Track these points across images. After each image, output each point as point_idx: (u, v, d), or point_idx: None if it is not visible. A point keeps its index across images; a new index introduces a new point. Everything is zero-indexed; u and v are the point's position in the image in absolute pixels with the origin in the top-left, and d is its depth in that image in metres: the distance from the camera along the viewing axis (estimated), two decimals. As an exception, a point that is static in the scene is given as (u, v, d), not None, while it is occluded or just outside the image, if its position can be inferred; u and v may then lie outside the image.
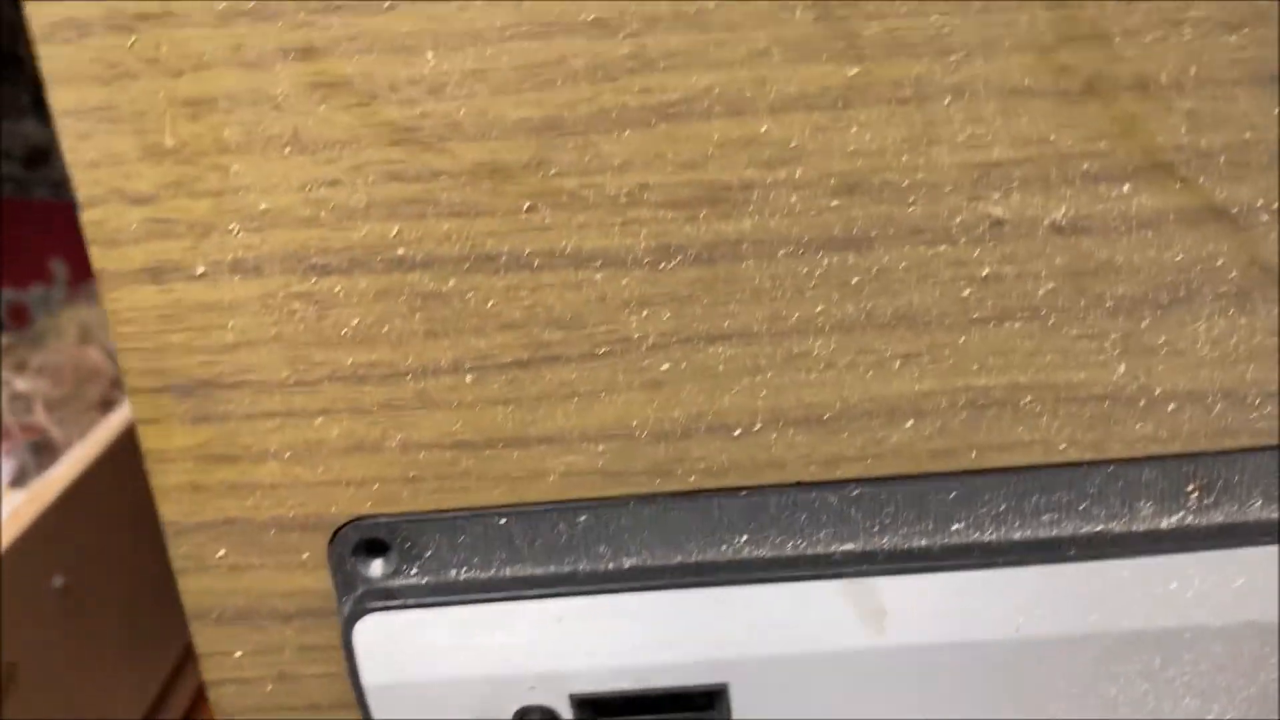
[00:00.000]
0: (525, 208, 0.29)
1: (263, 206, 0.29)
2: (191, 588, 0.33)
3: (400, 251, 0.29)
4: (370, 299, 0.29)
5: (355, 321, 0.30)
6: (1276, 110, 0.28)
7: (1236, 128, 0.28)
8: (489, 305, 0.29)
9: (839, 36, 0.27)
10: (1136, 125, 0.28)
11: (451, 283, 0.29)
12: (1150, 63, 0.27)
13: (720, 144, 0.28)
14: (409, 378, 0.30)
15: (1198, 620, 0.31)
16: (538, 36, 0.27)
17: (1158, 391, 0.30)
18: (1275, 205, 0.28)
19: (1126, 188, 0.28)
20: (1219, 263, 0.29)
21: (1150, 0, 0.27)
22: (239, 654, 0.33)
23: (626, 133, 0.28)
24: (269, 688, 0.34)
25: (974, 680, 0.32)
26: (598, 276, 0.29)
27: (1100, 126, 0.28)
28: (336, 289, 0.29)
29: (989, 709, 0.32)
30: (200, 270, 0.29)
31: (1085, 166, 0.28)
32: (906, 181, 0.28)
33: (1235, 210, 0.28)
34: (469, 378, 0.30)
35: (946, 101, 0.28)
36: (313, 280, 0.29)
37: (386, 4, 0.27)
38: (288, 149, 0.28)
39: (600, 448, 0.31)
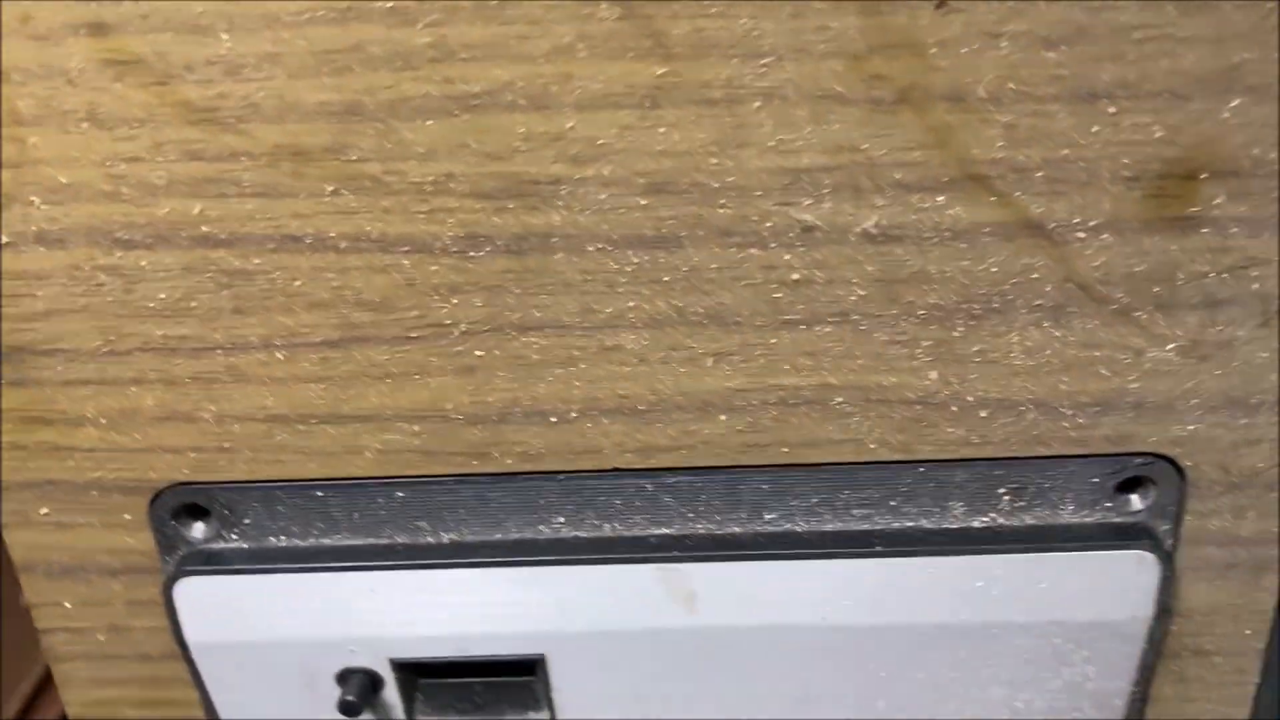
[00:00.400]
0: (328, 191, 0.28)
1: (63, 180, 0.28)
2: (19, 542, 0.33)
3: (204, 229, 0.29)
4: (177, 274, 0.29)
5: (163, 295, 0.29)
6: (1095, 128, 0.27)
7: (1054, 144, 0.27)
8: (296, 285, 0.29)
9: (646, 34, 0.26)
10: (951, 137, 0.27)
11: (257, 261, 0.29)
12: (966, 75, 0.26)
13: (526, 138, 0.27)
14: (219, 352, 0.30)
15: (1003, 617, 0.32)
16: (334, 23, 0.26)
17: (970, 398, 0.30)
18: (1092, 223, 0.28)
19: (940, 199, 0.28)
20: (1034, 277, 0.28)
21: (965, 11, 0.26)
22: (69, 605, 0.34)
23: (429, 122, 0.27)
24: (100, 637, 0.34)
25: (782, 661, 0.33)
26: (405, 262, 0.29)
27: (914, 136, 0.27)
28: (143, 263, 0.29)
29: (797, 687, 0.33)
30: (4, 240, 0.29)
31: (898, 176, 0.27)
32: (716, 184, 0.28)
33: (1051, 226, 0.28)
34: (280, 354, 0.30)
35: (756, 105, 0.27)
36: (118, 254, 0.29)
37: (176, -20, 0.26)
38: (85, 124, 0.27)
39: (416, 428, 0.31)
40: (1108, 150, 0.27)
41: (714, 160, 0.27)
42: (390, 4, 0.26)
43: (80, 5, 0.26)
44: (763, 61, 0.26)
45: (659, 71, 0.27)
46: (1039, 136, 0.27)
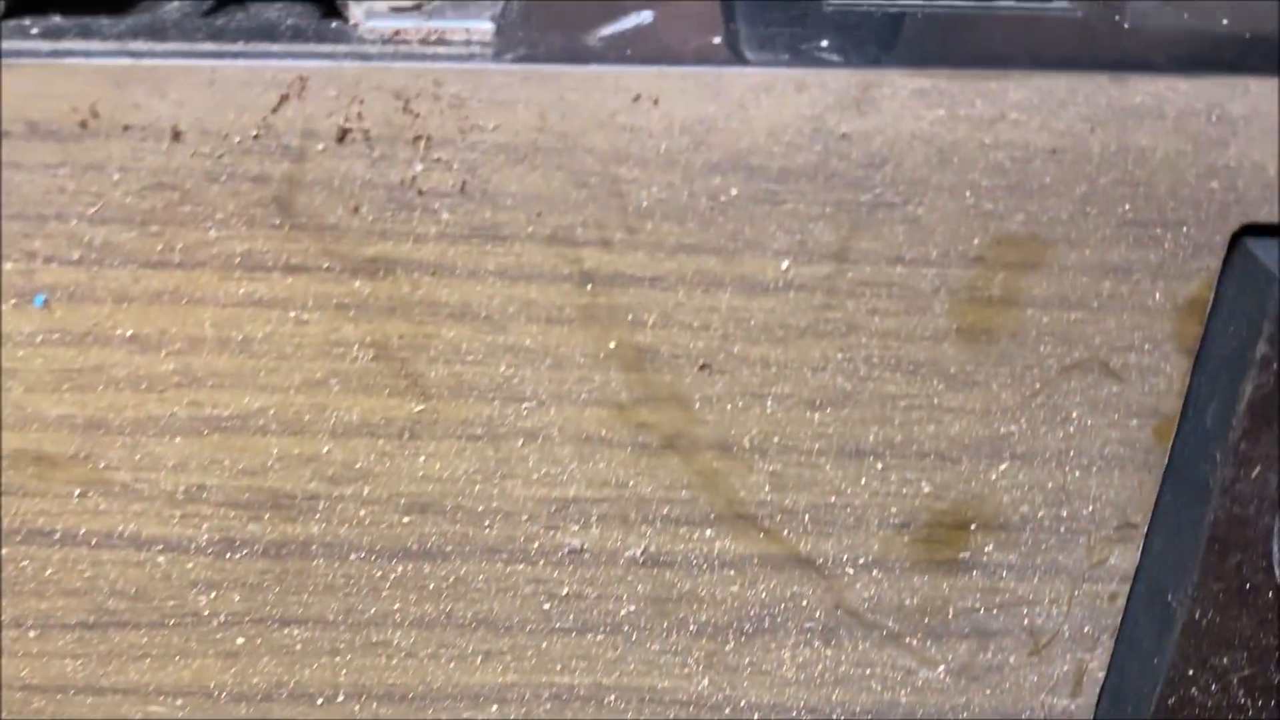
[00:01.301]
0: (76, 493, 0.27)
1: None
2: None
3: (-54, 520, 0.27)
4: (-80, 558, 0.28)
5: (-94, 576, 0.28)
6: (863, 480, 0.26)
7: (821, 491, 0.27)
8: (47, 573, 0.28)
9: (400, 375, 0.25)
10: (718, 480, 0.26)
11: (4, 551, 0.28)
12: (732, 428, 0.26)
13: (280, 457, 0.26)
14: (-30, 629, 0.29)
15: None
16: (72, 345, 0.25)
17: (742, 703, 0.30)
18: (860, 560, 0.27)
19: (708, 532, 0.27)
20: (804, 603, 0.28)
21: (729, 373, 0.25)
22: None
23: (178, 439, 0.26)
24: None
25: None
26: (160, 559, 0.28)
27: (680, 478, 0.26)
28: (-118, 546, 0.28)
29: None
30: None
31: (665, 510, 0.27)
32: (480, 507, 0.27)
33: (820, 561, 0.27)
34: (32, 633, 0.29)
35: (519, 442, 0.26)
36: None
37: (-101, 299, 0.24)
38: None
39: (179, 702, 0.30)
40: (875, 499, 0.27)
41: (478, 487, 0.27)
42: (130, 332, 0.25)
43: None
44: (525, 405, 0.26)
45: (416, 408, 0.26)
46: (806, 484, 0.26)
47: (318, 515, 0.27)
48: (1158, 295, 0.24)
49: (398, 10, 0.23)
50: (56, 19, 0.23)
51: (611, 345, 0.25)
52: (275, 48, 0.22)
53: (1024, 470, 0.26)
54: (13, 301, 0.24)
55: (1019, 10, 0.25)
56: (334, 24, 0.23)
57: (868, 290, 0.24)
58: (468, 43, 0.23)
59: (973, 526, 0.27)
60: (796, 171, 0.23)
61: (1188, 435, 0.26)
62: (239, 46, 0.22)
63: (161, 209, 0.23)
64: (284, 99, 0.22)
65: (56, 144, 0.23)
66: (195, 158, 0.23)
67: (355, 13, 0.23)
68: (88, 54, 0.22)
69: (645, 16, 0.24)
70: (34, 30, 0.23)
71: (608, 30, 0.23)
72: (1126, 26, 0.24)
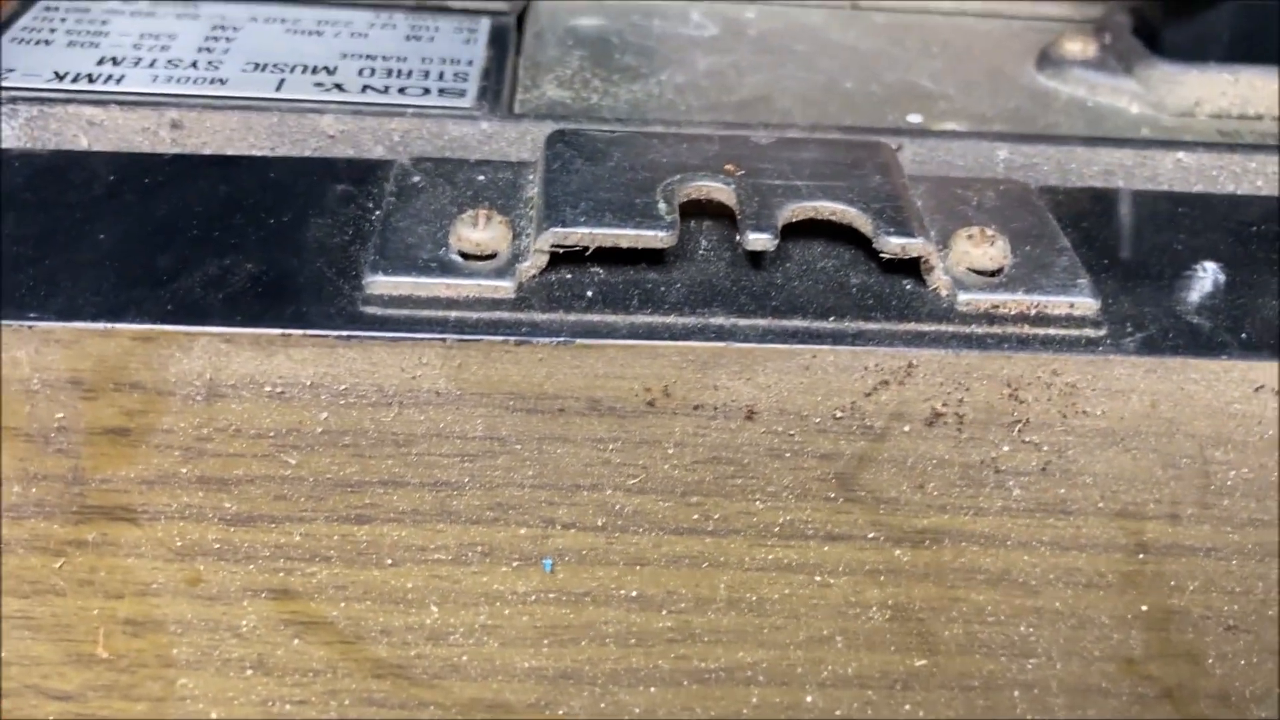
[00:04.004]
0: (523, 738, 0.25)
1: (213, 715, 0.24)
2: None
3: (371, 761, 0.25)
4: (333, 793, 0.26)
5: (312, 810, 0.26)
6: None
7: (1305, 733, 0.26)
8: (466, 809, 0.26)
9: (913, 634, 0.24)
10: (1205, 725, 0.25)
11: (425, 790, 0.26)
12: (1238, 680, 0.25)
13: (757, 706, 0.25)
14: None
15: None
16: (567, 604, 0.23)
17: None
18: (1320, 792, 0.27)
19: (1177, 773, 0.26)
20: (1249, 829, 0.27)
21: (1254, 632, 0.24)
22: None
23: (652, 689, 0.24)
24: None
25: None
26: (595, 794, 0.26)
27: (1167, 724, 0.25)
28: (293, 785, 0.25)
29: None
30: (131, 760, 0.25)
31: (1138, 753, 0.26)
32: (948, 751, 0.26)
33: (1280, 793, 0.27)
34: None
35: (1015, 693, 0.25)
36: (266, 776, 0.25)
37: (389, 560, 0.22)
38: (249, 671, 0.24)
39: None
40: (1357, 741, 0.26)
41: (954, 733, 0.25)
42: (635, 592, 0.23)
43: (265, 574, 0.22)
44: (1031, 662, 0.24)
45: (918, 663, 0.24)
46: (1293, 728, 0.26)
47: (777, 755, 0.25)
48: None
49: (981, 274, 0.21)
50: (599, 273, 0.21)
51: (1143, 608, 0.23)
52: (874, 328, 0.20)
53: None
54: (515, 563, 0.22)
55: None
56: (907, 284, 0.21)
57: None
58: (1069, 318, 0.21)
59: None
60: (1397, 457, 0.22)
61: None
62: (833, 325, 0.20)
63: (710, 481, 0.21)
64: (883, 384, 0.20)
65: (615, 420, 0.21)
66: (764, 435, 0.21)
67: (940, 278, 0.21)
68: (671, 334, 0.20)
69: (1215, 271, 0.22)
70: (589, 294, 0.21)
71: (1194, 295, 0.22)
72: None
